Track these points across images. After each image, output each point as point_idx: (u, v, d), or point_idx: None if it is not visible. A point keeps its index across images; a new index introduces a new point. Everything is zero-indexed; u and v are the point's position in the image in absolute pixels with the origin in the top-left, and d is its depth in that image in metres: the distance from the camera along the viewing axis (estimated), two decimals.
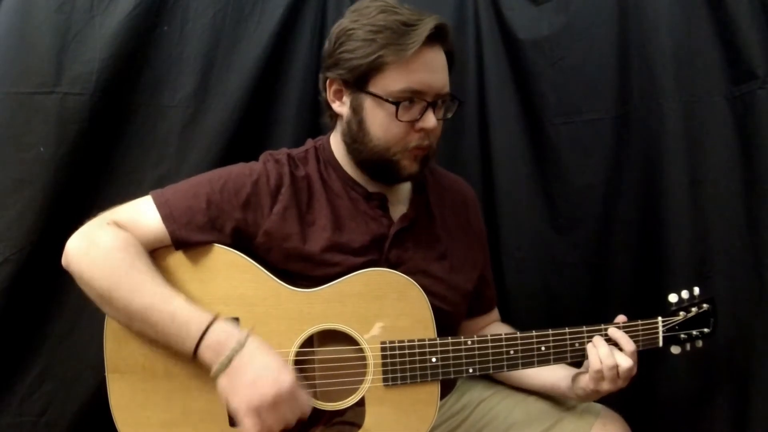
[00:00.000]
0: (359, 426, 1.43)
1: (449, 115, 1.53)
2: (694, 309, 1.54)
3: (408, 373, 1.43)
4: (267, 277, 1.43)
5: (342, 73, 1.44)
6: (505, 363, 1.47)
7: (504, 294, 2.05)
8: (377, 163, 1.48)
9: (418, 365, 1.43)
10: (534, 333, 1.47)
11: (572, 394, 1.53)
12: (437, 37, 1.42)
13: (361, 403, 1.43)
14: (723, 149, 1.84)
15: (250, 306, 1.42)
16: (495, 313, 1.81)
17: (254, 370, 1.28)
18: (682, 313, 1.54)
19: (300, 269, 1.46)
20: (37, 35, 1.81)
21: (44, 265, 1.73)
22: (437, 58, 1.45)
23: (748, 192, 1.81)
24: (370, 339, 1.43)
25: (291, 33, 2.00)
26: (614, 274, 2.02)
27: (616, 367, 1.42)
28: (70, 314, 1.88)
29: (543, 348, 1.47)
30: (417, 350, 1.43)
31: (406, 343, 1.43)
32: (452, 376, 1.45)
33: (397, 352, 1.43)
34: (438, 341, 1.44)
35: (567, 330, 1.48)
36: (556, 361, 1.48)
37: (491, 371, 1.48)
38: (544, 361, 1.48)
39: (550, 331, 1.48)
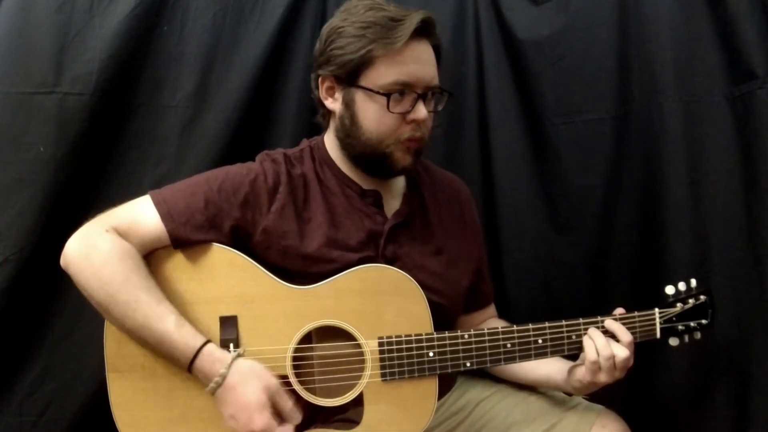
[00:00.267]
0: (358, 422, 1.43)
1: (440, 108, 1.56)
2: (691, 300, 1.54)
3: (406, 368, 1.43)
4: (265, 275, 1.44)
5: (333, 69, 1.48)
6: (502, 356, 1.47)
7: (504, 294, 2.05)
8: (371, 157, 1.50)
9: (415, 360, 1.43)
10: (531, 326, 1.48)
11: (568, 386, 1.54)
12: (424, 30, 1.45)
13: (359, 398, 1.43)
14: (723, 149, 1.84)
15: (248, 304, 1.42)
16: (492, 309, 1.82)
17: (231, 407, 1.34)
18: (679, 305, 1.54)
19: (297, 266, 1.47)
20: (37, 35, 1.81)
21: (44, 265, 1.72)
22: (425, 51, 1.48)
23: (748, 192, 1.82)
24: (368, 335, 1.43)
25: (291, 33, 2.00)
26: (614, 274, 2.02)
27: (613, 357, 1.43)
28: (70, 314, 1.88)
29: (540, 341, 1.47)
30: (414, 345, 1.43)
31: (404, 338, 1.43)
32: (450, 371, 1.45)
33: (395, 347, 1.43)
34: (435, 336, 1.44)
35: (564, 322, 1.48)
36: (553, 353, 1.49)
37: (488, 365, 1.49)
38: (541, 354, 1.48)
39: (547, 324, 1.48)
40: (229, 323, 1.42)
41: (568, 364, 1.55)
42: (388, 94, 1.43)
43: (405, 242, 1.56)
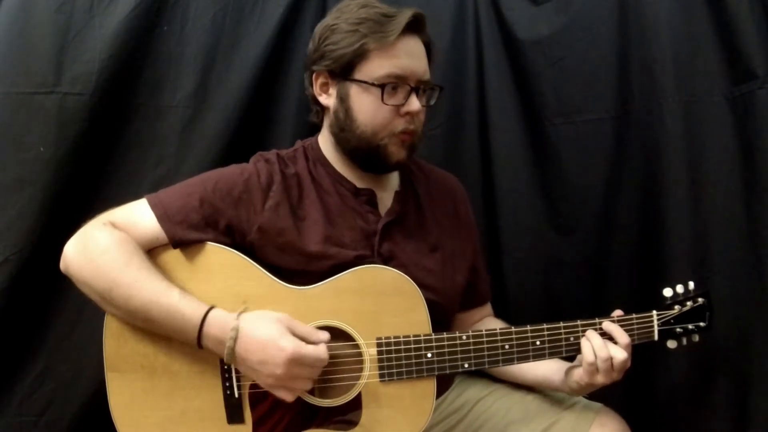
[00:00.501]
0: (356, 422, 1.43)
1: (432, 103, 1.59)
2: (689, 303, 1.54)
3: (404, 369, 1.43)
4: (263, 275, 1.44)
5: (328, 64, 1.50)
6: (500, 358, 1.47)
7: (504, 294, 2.05)
8: (365, 151, 1.51)
9: (413, 361, 1.43)
10: (529, 327, 1.48)
11: (565, 387, 1.54)
12: (415, 25, 1.49)
13: (358, 399, 1.43)
14: (723, 149, 1.84)
15: (246, 304, 1.42)
16: (488, 308, 1.82)
17: (256, 353, 1.32)
18: (677, 307, 1.53)
19: (295, 264, 1.47)
20: (37, 35, 1.81)
21: (44, 266, 1.72)
22: (417, 46, 1.52)
23: (748, 192, 1.81)
24: (366, 335, 1.44)
25: (291, 33, 2.00)
26: (614, 274, 2.02)
27: (611, 359, 1.43)
28: (70, 314, 1.88)
29: (538, 342, 1.47)
30: (412, 346, 1.43)
31: (402, 339, 1.43)
32: (448, 372, 1.46)
33: (393, 348, 1.43)
34: (433, 336, 1.44)
35: (562, 324, 1.48)
36: (552, 355, 1.49)
37: (486, 366, 1.49)
38: (539, 355, 1.48)
39: (545, 326, 1.48)
40: None
41: (566, 365, 1.55)
42: (382, 86, 1.46)
43: (400, 240, 1.57)
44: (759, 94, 1.75)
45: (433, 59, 1.58)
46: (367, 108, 1.49)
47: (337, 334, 1.44)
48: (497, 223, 2.09)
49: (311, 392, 1.42)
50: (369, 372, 1.43)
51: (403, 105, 1.48)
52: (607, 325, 1.49)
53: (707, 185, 1.86)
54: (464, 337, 1.45)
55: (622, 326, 1.49)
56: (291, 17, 2.00)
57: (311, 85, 1.58)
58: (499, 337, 1.46)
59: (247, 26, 1.97)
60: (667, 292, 1.55)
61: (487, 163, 2.11)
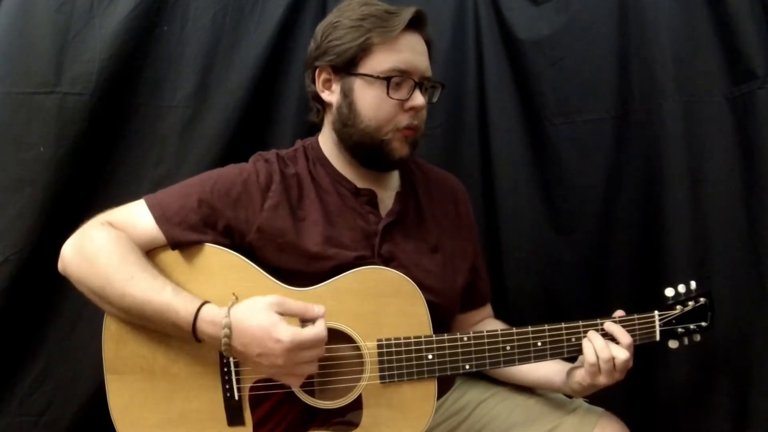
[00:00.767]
0: (357, 424, 1.43)
1: (434, 100, 1.60)
2: (690, 303, 1.54)
3: (405, 371, 1.43)
4: (262, 276, 1.44)
5: (331, 59, 1.51)
6: (501, 359, 1.47)
7: (504, 294, 2.05)
8: (368, 146, 1.51)
9: (414, 362, 1.43)
10: (530, 328, 1.47)
11: (567, 388, 1.54)
12: (418, 22, 1.51)
13: (358, 401, 1.43)
14: (723, 149, 1.84)
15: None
16: (488, 309, 1.82)
17: (253, 346, 1.29)
18: (678, 307, 1.53)
19: (294, 265, 1.47)
20: (37, 35, 1.81)
21: (44, 266, 1.71)
22: (419, 42, 1.53)
23: (748, 192, 1.81)
24: (367, 337, 1.43)
25: (291, 33, 2.00)
26: (614, 274, 2.02)
27: (612, 359, 1.42)
28: (70, 314, 1.88)
29: (539, 343, 1.47)
30: (413, 347, 1.43)
31: (402, 341, 1.43)
32: (449, 373, 1.45)
33: (394, 349, 1.43)
34: (434, 338, 1.44)
35: (563, 325, 1.48)
36: (553, 356, 1.49)
37: (487, 367, 1.48)
38: (540, 356, 1.48)
39: (546, 327, 1.48)
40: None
41: (567, 366, 1.55)
42: (388, 79, 1.46)
43: (400, 240, 1.57)
44: (759, 94, 1.76)
45: (433, 58, 1.59)
46: (371, 102, 1.49)
47: (338, 336, 1.43)
48: (497, 223, 2.09)
49: (311, 394, 1.42)
50: (369, 373, 1.43)
51: (407, 100, 1.49)
52: (609, 325, 1.49)
53: (707, 185, 1.86)
54: (465, 339, 1.45)
55: (623, 326, 1.49)
56: (291, 17, 2.00)
57: (313, 82, 1.58)
58: (500, 338, 1.46)
59: (247, 26, 1.97)
60: (669, 291, 1.55)
61: (487, 163, 2.11)
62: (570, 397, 1.61)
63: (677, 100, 1.87)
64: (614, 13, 1.98)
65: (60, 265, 1.41)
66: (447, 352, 1.44)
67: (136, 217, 1.44)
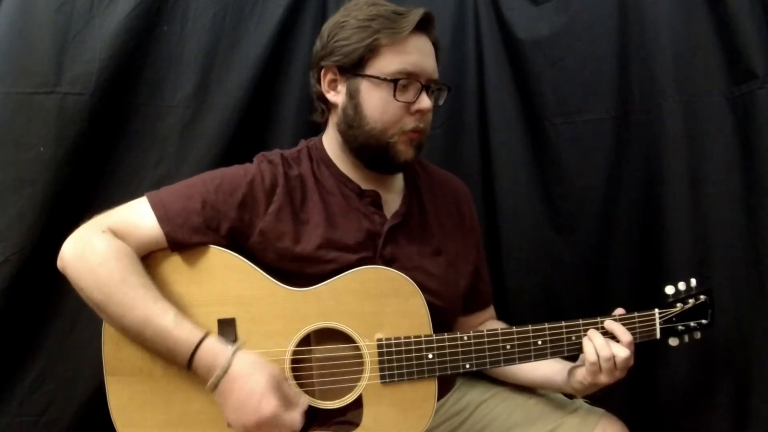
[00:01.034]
0: (357, 424, 1.43)
1: (440, 102, 1.59)
2: (691, 300, 1.54)
3: (405, 370, 1.43)
4: (263, 277, 1.43)
5: (338, 59, 1.49)
6: (501, 358, 1.47)
7: (504, 294, 2.05)
8: (374, 149, 1.50)
9: (414, 362, 1.43)
10: (530, 327, 1.47)
11: (568, 387, 1.54)
12: (426, 24, 1.49)
13: (358, 401, 1.43)
14: (723, 149, 1.84)
15: (246, 306, 1.42)
16: (491, 311, 1.82)
17: (238, 397, 1.31)
18: (679, 305, 1.54)
19: (295, 268, 1.46)
20: (37, 35, 1.81)
21: (44, 266, 1.70)
22: (427, 44, 1.52)
23: (748, 192, 1.81)
24: (367, 337, 1.43)
25: (291, 33, 2.00)
26: (614, 274, 2.02)
27: (613, 358, 1.43)
28: (69, 314, 1.88)
29: (540, 342, 1.47)
30: (413, 347, 1.43)
31: (403, 340, 1.43)
32: (449, 373, 1.45)
33: (394, 349, 1.43)
34: (434, 337, 1.44)
35: (563, 323, 1.48)
36: (553, 354, 1.49)
37: (488, 366, 1.48)
38: (540, 355, 1.48)
39: (547, 325, 1.48)
40: (227, 325, 1.42)
41: (568, 365, 1.55)
42: (395, 81, 1.45)
43: (404, 243, 1.56)
44: (759, 94, 1.76)
45: (440, 60, 1.57)
46: (377, 103, 1.47)
47: (338, 336, 1.44)
48: (497, 223, 2.10)
49: (312, 394, 1.42)
50: (370, 373, 1.43)
51: (413, 102, 1.47)
52: (609, 323, 1.49)
53: (707, 185, 1.86)
54: (465, 338, 1.45)
55: (624, 324, 1.49)
56: (291, 17, 2.00)
57: (318, 82, 1.56)
58: (500, 337, 1.46)
59: (247, 26, 1.97)
60: (669, 289, 1.55)
61: (487, 163, 2.11)
62: (571, 397, 1.61)
63: (677, 100, 1.87)
64: (614, 13, 1.98)
65: (59, 263, 1.39)
66: (447, 351, 1.44)
67: (138, 217, 1.42)
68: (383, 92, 1.46)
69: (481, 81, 2.10)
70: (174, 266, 1.43)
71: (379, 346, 1.43)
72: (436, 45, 1.55)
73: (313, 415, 1.42)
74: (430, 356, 1.44)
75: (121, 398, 1.42)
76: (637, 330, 1.51)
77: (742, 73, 1.79)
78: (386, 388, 1.43)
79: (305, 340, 1.44)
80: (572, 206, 2.07)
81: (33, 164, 1.81)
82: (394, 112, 1.47)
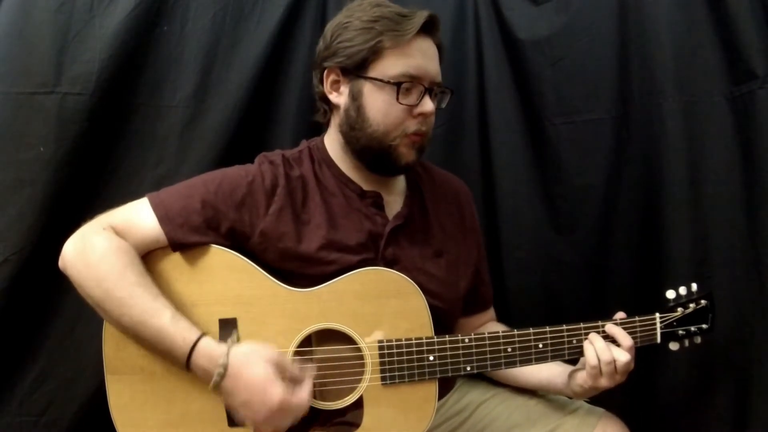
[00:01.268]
0: (358, 425, 1.43)
1: (443, 105, 1.58)
2: (692, 305, 1.54)
3: (406, 372, 1.43)
4: (264, 277, 1.43)
5: (341, 60, 1.48)
6: (502, 361, 1.47)
7: (504, 294, 2.05)
8: (376, 151, 1.49)
9: (415, 364, 1.43)
10: (531, 330, 1.47)
11: (568, 390, 1.54)
12: (430, 27, 1.48)
13: (359, 402, 1.43)
14: (723, 149, 1.84)
15: (247, 306, 1.42)
16: (491, 312, 1.82)
17: (242, 394, 1.30)
18: (679, 310, 1.53)
19: (296, 268, 1.47)
20: (37, 35, 1.81)
21: (44, 266, 1.71)
22: (431, 47, 1.51)
23: (748, 192, 1.81)
24: (368, 338, 1.43)
25: (291, 33, 2.00)
26: (614, 274, 2.02)
27: (614, 362, 1.43)
28: (69, 314, 1.88)
29: (540, 345, 1.47)
30: (414, 349, 1.43)
31: (404, 342, 1.43)
32: (450, 375, 1.45)
33: (395, 350, 1.43)
34: (435, 339, 1.44)
35: (564, 327, 1.48)
36: (554, 358, 1.49)
37: (489, 369, 1.48)
38: (541, 358, 1.48)
39: (548, 328, 1.48)
40: (228, 325, 1.42)
41: (569, 368, 1.55)
42: (398, 84, 1.44)
43: (405, 244, 1.56)
44: (759, 94, 1.75)
45: (443, 62, 1.57)
46: (380, 106, 1.46)
47: (339, 337, 1.44)
48: (497, 223, 2.09)
49: (312, 395, 1.42)
50: (370, 375, 1.43)
51: (416, 105, 1.47)
52: (610, 327, 1.48)
53: (707, 185, 1.86)
54: (466, 340, 1.45)
55: (624, 328, 1.49)
56: (291, 17, 1.99)
57: (321, 82, 1.56)
58: (501, 340, 1.46)
59: (247, 26, 1.96)
60: (670, 293, 1.55)
61: (487, 163, 2.11)
62: (571, 398, 1.61)
63: (677, 100, 1.87)
64: (614, 13, 1.98)
65: (60, 263, 1.39)
66: (448, 353, 1.44)
67: (139, 217, 1.43)
68: (386, 95, 1.46)
69: (481, 81, 2.10)
70: (175, 266, 1.43)
71: (380, 348, 1.43)
72: (440, 47, 1.54)
73: (313, 416, 1.42)
74: (431, 358, 1.44)
75: (122, 398, 1.42)
76: (638, 334, 1.51)
77: (742, 73, 1.79)
78: (387, 389, 1.43)
79: (306, 341, 1.44)
80: (572, 206, 2.07)
81: (33, 164, 1.81)
82: (397, 115, 1.46)
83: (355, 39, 1.46)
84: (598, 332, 1.48)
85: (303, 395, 1.31)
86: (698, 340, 1.56)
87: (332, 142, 1.59)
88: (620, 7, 1.97)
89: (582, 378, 1.47)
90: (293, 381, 1.32)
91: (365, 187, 1.56)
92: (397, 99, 1.45)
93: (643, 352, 1.52)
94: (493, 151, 2.09)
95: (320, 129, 1.66)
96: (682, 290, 1.55)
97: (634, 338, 1.48)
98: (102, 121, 1.85)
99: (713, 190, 1.86)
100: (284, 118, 2.02)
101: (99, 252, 1.35)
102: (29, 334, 1.87)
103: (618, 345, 1.46)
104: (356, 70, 1.48)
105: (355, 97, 1.49)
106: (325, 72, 1.53)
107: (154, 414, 1.41)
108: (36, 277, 1.81)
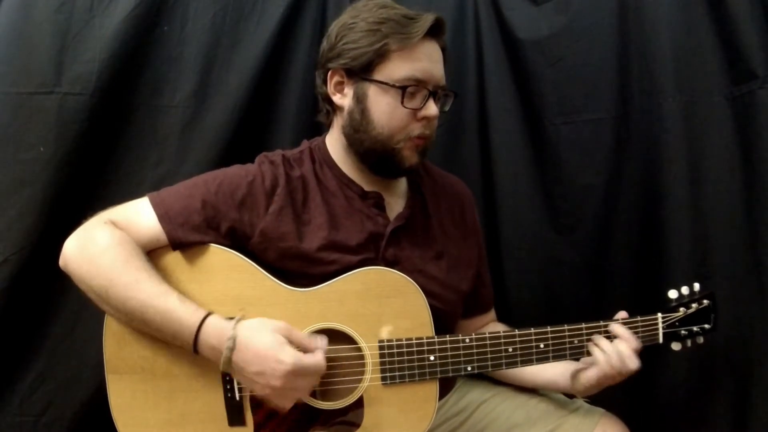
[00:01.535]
0: (358, 425, 1.43)
1: (446, 108, 1.58)
2: (694, 305, 1.53)
3: (406, 372, 1.43)
4: (264, 277, 1.43)
5: (345, 62, 1.47)
6: (503, 361, 1.46)
7: (504, 294, 2.05)
8: (379, 154, 1.49)
9: (416, 364, 1.43)
10: (533, 330, 1.47)
11: (572, 390, 1.54)
12: (437, 30, 1.47)
13: (359, 402, 1.43)
14: (723, 149, 1.84)
15: (247, 306, 1.42)
16: (492, 314, 1.81)
17: (253, 365, 1.29)
18: (682, 309, 1.53)
19: (297, 268, 1.46)
20: (37, 35, 1.81)
21: (44, 265, 1.71)
22: (436, 50, 1.50)
23: (748, 192, 1.82)
24: (368, 338, 1.43)
25: (291, 33, 2.00)
26: (614, 274, 2.02)
27: (621, 366, 1.43)
28: (69, 314, 1.88)
29: (542, 345, 1.47)
30: (415, 349, 1.43)
31: (404, 342, 1.43)
32: (450, 375, 1.45)
33: (395, 350, 1.42)
34: (436, 339, 1.44)
35: (566, 327, 1.48)
36: (555, 358, 1.48)
37: (490, 369, 1.48)
38: (542, 358, 1.48)
39: (549, 329, 1.47)
40: None
41: (571, 366, 1.55)
42: (403, 88, 1.44)
43: (406, 245, 1.56)
44: (759, 94, 1.76)
45: (448, 64, 1.56)
46: (384, 109, 1.46)
47: (339, 337, 1.43)
48: (497, 223, 2.09)
49: (313, 395, 1.42)
50: (371, 375, 1.43)
51: (420, 109, 1.46)
52: (617, 328, 1.48)
53: (707, 185, 1.86)
54: (467, 340, 1.45)
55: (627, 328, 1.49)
56: (291, 17, 1.99)
57: (325, 83, 1.55)
58: (502, 341, 1.46)
59: (247, 26, 1.96)
60: (672, 293, 1.55)
61: (487, 163, 2.11)
62: (571, 396, 1.61)
63: (677, 100, 1.87)
64: (614, 13, 1.98)
65: (61, 261, 1.39)
66: (449, 353, 1.44)
67: (139, 215, 1.43)
68: (391, 98, 1.45)
69: (481, 81, 2.10)
70: (175, 265, 1.43)
71: (381, 348, 1.43)
72: (445, 50, 1.53)
73: (314, 416, 1.42)
74: (432, 358, 1.43)
75: (123, 397, 1.42)
76: (640, 334, 1.51)
77: (742, 73, 1.79)
78: (387, 389, 1.43)
79: None
80: (572, 206, 2.07)
81: (33, 164, 1.81)
82: (402, 118, 1.46)
83: (361, 41, 1.45)
84: (600, 332, 1.48)
85: (318, 356, 1.32)
86: (701, 340, 1.55)
87: (334, 142, 1.59)
88: (620, 7, 1.97)
89: (586, 379, 1.47)
90: (305, 348, 1.33)
91: (366, 187, 1.56)
92: (402, 102, 1.44)
93: (643, 351, 1.51)
94: (493, 151, 2.09)
95: (320, 129, 1.66)
96: (685, 290, 1.55)
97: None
98: (102, 121, 1.86)
99: (713, 190, 1.86)
100: (284, 118, 2.02)
101: (102, 244, 1.36)
102: (29, 334, 1.88)
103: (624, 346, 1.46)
104: (361, 72, 1.47)
105: (360, 100, 1.48)
106: (329, 73, 1.53)
107: (155, 413, 1.41)
108: (36, 277, 1.82)
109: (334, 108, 1.56)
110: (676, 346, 1.55)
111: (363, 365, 1.43)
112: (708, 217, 1.86)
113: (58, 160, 1.82)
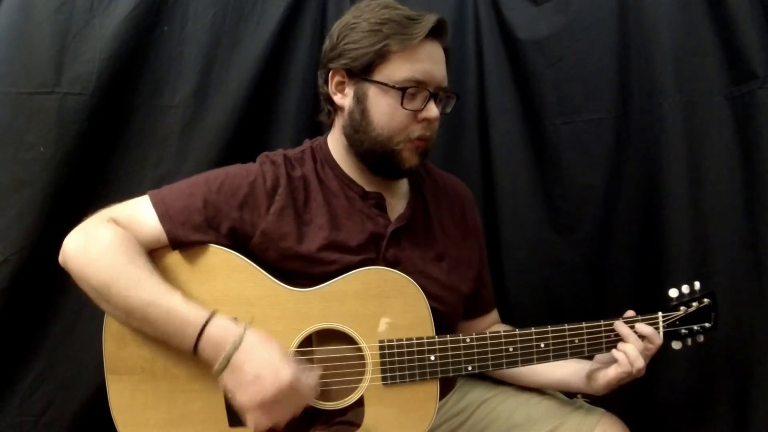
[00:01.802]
0: (359, 425, 1.43)
1: (448, 110, 1.57)
2: (694, 304, 1.54)
3: (407, 372, 1.43)
4: (264, 277, 1.43)
5: (346, 62, 1.47)
6: (504, 361, 1.46)
7: (504, 294, 2.05)
8: (379, 155, 1.49)
9: (416, 364, 1.43)
10: (533, 330, 1.47)
11: (588, 389, 1.55)
12: (438, 31, 1.46)
13: (360, 402, 1.43)
14: (723, 149, 1.85)
15: (247, 306, 1.42)
16: (494, 315, 1.81)
17: (254, 368, 1.28)
18: (682, 308, 1.53)
19: (297, 268, 1.46)
20: (37, 35, 1.81)
21: (44, 265, 1.71)
22: (438, 51, 1.49)
23: (748, 192, 1.81)
24: (369, 338, 1.43)
25: (291, 33, 2.00)
26: (614, 274, 2.02)
27: (641, 365, 1.46)
28: (70, 314, 1.88)
29: (542, 345, 1.47)
30: (415, 349, 1.43)
31: (405, 342, 1.43)
32: (451, 375, 1.45)
33: (396, 350, 1.43)
34: (437, 339, 1.44)
35: (566, 326, 1.48)
36: (556, 358, 1.48)
37: (490, 369, 1.48)
38: (543, 358, 1.48)
39: (549, 328, 1.48)
40: None
41: (584, 366, 1.56)
42: (403, 89, 1.43)
43: (407, 246, 1.56)
44: (759, 94, 1.76)
45: (450, 66, 1.56)
46: (384, 110, 1.46)
47: (339, 337, 1.44)
48: (497, 223, 2.10)
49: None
50: (371, 375, 1.43)
51: (421, 110, 1.46)
52: (644, 328, 1.49)
53: (707, 185, 1.86)
54: (468, 340, 1.45)
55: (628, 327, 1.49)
56: (291, 17, 1.99)
57: (326, 83, 1.54)
58: (503, 340, 1.46)
59: (247, 26, 1.96)
60: (673, 292, 1.55)
61: (487, 163, 2.11)
62: (571, 396, 1.61)
63: (677, 100, 1.87)
64: (614, 13, 1.98)
65: (61, 258, 1.38)
66: (450, 353, 1.44)
67: (140, 214, 1.42)
68: (391, 99, 1.45)
69: (481, 81, 2.11)
70: (175, 265, 1.43)
71: (381, 348, 1.43)
72: (447, 51, 1.53)
73: (314, 416, 1.42)
74: (432, 358, 1.43)
75: (122, 397, 1.42)
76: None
77: (742, 73, 1.79)
78: (388, 389, 1.43)
79: (307, 341, 1.44)
80: (572, 206, 2.07)
81: (33, 164, 1.81)
82: (401, 120, 1.46)
83: (362, 41, 1.45)
84: (601, 332, 1.49)
85: (313, 380, 1.32)
86: (701, 339, 1.56)
87: (335, 142, 1.58)
88: (620, 7, 1.97)
89: (605, 379, 1.48)
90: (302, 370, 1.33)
91: (368, 188, 1.56)
92: (402, 104, 1.44)
93: None
94: (493, 151, 2.09)
95: (321, 128, 1.66)
96: (685, 288, 1.55)
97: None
98: (102, 121, 1.85)
99: (713, 190, 1.86)
100: (284, 118, 2.02)
101: (104, 242, 1.35)
102: (29, 334, 1.87)
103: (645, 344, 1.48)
104: (362, 72, 1.46)
105: (360, 100, 1.48)
106: (331, 73, 1.52)
107: (155, 414, 1.41)
108: (36, 277, 1.82)
109: (336, 108, 1.56)
110: (676, 344, 1.55)
111: (363, 365, 1.43)
112: (708, 217, 1.86)
113: (58, 160, 1.81)
